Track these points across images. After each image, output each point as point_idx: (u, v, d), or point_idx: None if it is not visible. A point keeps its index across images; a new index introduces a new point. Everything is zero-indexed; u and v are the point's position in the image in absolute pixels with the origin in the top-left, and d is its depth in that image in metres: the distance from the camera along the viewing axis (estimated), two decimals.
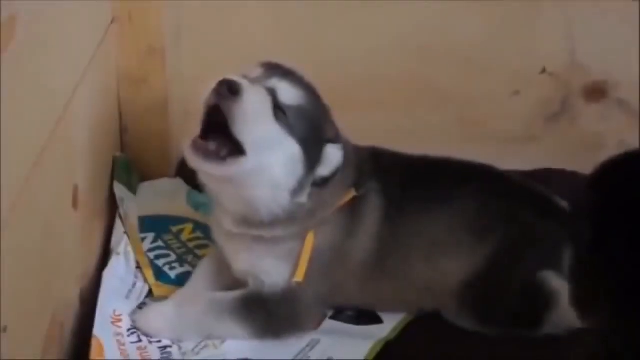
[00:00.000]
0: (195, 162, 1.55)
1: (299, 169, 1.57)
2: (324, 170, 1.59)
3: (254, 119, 1.52)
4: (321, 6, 2.00)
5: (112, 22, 1.92)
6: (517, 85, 2.05)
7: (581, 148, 2.07)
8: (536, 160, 2.04)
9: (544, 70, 2.03)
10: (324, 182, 1.60)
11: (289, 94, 1.58)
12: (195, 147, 1.54)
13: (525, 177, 1.79)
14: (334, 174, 1.60)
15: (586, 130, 2.07)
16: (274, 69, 1.60)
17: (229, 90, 1.51)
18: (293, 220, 1.60)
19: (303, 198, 1.59)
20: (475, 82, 2.04)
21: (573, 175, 2.02)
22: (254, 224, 1.61)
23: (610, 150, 2.05)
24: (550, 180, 1.92)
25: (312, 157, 1.58)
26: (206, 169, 1.56)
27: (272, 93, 1.56)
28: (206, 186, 1.65)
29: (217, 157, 1.53)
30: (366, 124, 1.94)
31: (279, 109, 1.56)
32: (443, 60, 2.03)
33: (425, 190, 1.69)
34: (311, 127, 1.58)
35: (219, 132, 1.53)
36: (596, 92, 2.04)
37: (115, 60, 1.95)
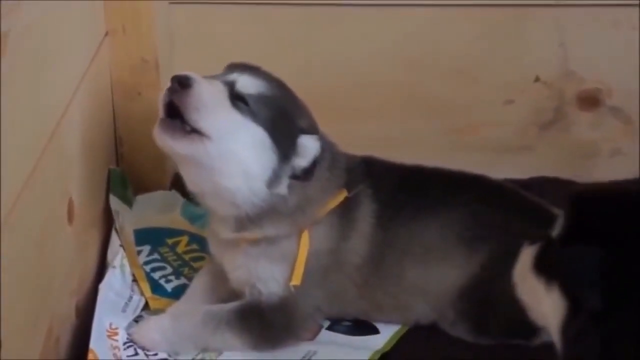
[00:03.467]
0: (160, 137, 1.57)
1: (269, 156, 1.58)
2: (301, 161, 1.60)
3: (206, 106, 1.54)
4: (313, 16, 2.00)
5: (105, 35, 1.93)
6: (510, 94, 2.05)
7: (575, 156, 2.08)
8: (530, 169, 2.04)
9: (537, 79, 2.04)
10: (305, 174, 1.60)
11: (248, 83, 1.60)
12: (162, 125, 1.57)
13: (519, 186, 1.79)
14: (313, 166, 1.60)
15: (580, 138, 2.07)
16: (237, 66, 1.64)
17: (180, 84, 1.54)
18: (279, 214, 1.61)
19: (282, 189, 1.59)
20: (468, 90, 2.05)
21: (567, 183, 2.02)
22: (245, 226, 1.61)
23: (604, 157, 2.07)
24: (545, 189, 1.92)
25: (284, 145, 1.58)
26: (170, 144, 1.57)
27: (230, 84, 1.59)
28: (194, 190, 1.65)
29: (183, 131, 1.55)
30: (358, 133, 1.95)
31: (238, 98, 1.58)
32: (436, 69, 2.03)
33: (419, 196, 1.69)
34: (279, 114, 1.59)
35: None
36: (589, 100, 2.05)
37: (109, 72, 1.95)
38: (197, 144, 1.55)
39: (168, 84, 1.56)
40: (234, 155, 1.56)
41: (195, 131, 1.55)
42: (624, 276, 1.16)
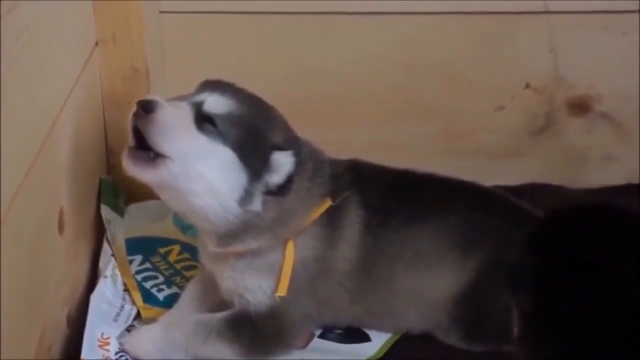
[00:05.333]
0: (128, 167, 1.58)
1: (238, 175, 1.57)
2: (275, 177, 1.59)
3: (168, 131, 1.55)
4: (305, 21, 2.00)
5: (96, 44, 1.93)
6: (501, 100, 2.05)
7: (566, 162, 2.08)
8: (521, 175, 2.04)
9: (527, 85, 2.04)
10: (280, 190, 1.60)
11: (216, 103, 1.59)
12: (128, 154, 1.58)
13: (510, 192, 1.79)
14: (288, 181, 1.60)
15: (571, 144, 2.07)
16: (207, 85, 1.63)
17: (143, 109, 1.55)
18: (258, 228, 1.60)
19: (256, 206, 1.59)
20: (459, 97, 2.05)
21: (558, 189, 2.03)
22: (227, 241, 1.61)
23: (595, 163, 2.07)
24: (536, 195, 1.92)
25: (255, 163, 1.58)
26: (137, 174, 1.58)
27: (197, 105, 1.59)
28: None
29: (148, 160, 1.55)
30: (351, 138, 1.96)
31: (204, 119, 1.58)
32: (428, 75, 2.03)
33: (409, 202, 1.69)
34: (248, 133, 1.59)
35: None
36: (580, 106, 2.05)
37: (99, 82, 1.95)
38: (162, 169, 1.55)
39: (134, 108, 1.56)
40: (200, 176, 1.56)
41: (159, 156, 1.55)
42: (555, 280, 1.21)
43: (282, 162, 1.59)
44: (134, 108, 1.56)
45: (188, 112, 1.58)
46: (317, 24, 2.00)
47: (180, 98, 1.61)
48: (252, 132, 1.59)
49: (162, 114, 1.55)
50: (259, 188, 1.59)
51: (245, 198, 1.58)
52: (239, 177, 1.57)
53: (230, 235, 1.60)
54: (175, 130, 1.55)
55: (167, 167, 1.55)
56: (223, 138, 1.57)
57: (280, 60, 2.01)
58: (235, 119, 1.59)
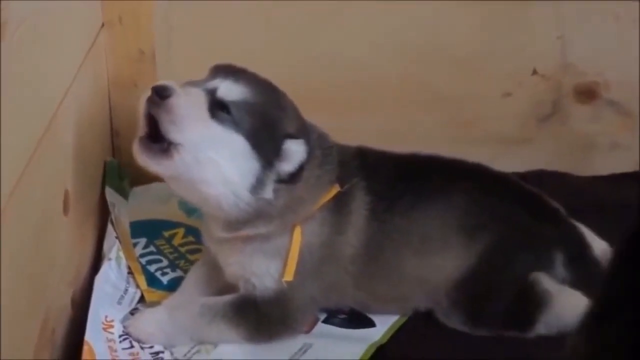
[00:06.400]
0: (140, 159, 1.57)
1: (250, 163, 1.57)
2: (287, 165, 1.59)
3: (182, 118, 1.53)
4: (313, 7, 2.00)
5: (102, 26, 1.92)
6: (508, 87, 2.05)
7: (573, 149, 2.08)
8: (528, 162, 2.04)
9: (535, 72, 2.03)
10: (291, 178, 1.59)
11: (230, 90, 1.58)
12: (140, 145, 1.56)
13: (517, 178, 1.79)
14: (299, 169, 1.59)
15: (578, 132, 2.07)
16: (220, 70, 1.61)
17: (158, 95, 1.53)
18: (269, 215, 1.60)
19: (267, 194, 1.58)
20: (467, 83, 2.04)
21: (565, 176, 2.02)
22: (236, 227, 1.61)
23: (602, 151, 2.07)
24: (543, 182, 1.92)
25: (267, 151, 1.57)
26: (150, 166, 1.57)
27: (211, 92, 1.57)
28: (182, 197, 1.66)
29: (161, 151, 1.54)
30: (358, 126, 1.95)
31: (218, 106, 1.57)
32: (435, 62, 2.03)
33: (415, 186, 1.69)
34: (262, 120, 1.58)
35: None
36: (588, 93, 2.04)
37: (105, 64, 1.95)
38: (176, 160, 1.54)
39: (148, 93, 1.55)
40: (213, 164, 1.55)
41: (172, 145, 1.54)
42: None
43: (294, 151, 1.59)
44: (148, 93, 1.54)
45: (202, 98, 1.57)
46: (325, 10, 2.00)
47: (192, 83, 1.59)
48: (265, 120, 1.59)
49: (177, 101, 1.53)
50: (271, 176, 1.58)
51: (257, 186, 1.57)
52: (252, 165, 1.57)
53: (241, 221, 1.60)
54: (189, 118, 1.54)
55: (180, 156, 1.54)
56: (236, 126, 1.57)
57: (288, 47, 2.00)
58: (249, 106, 1.58)
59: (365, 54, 2.01)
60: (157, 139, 1.55)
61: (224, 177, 1.56)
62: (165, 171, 1.58)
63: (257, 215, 1.59)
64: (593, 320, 1.10)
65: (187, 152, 1.54)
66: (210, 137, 1.55)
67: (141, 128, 1.57)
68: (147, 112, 1.55)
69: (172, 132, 1.53)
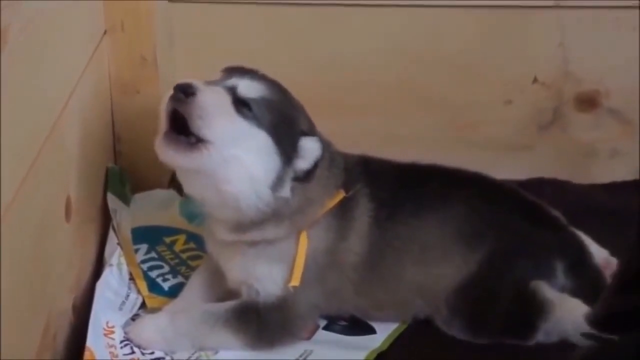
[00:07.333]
0: (165, 153, 1.56)
1: (273, 160, 1.57)
2: (303, 163, 1.59)
3: (211, 114, 1.53)
4: (314, 11, 2.00)
5: (104, 32, 1.93)
6: (509, 94, 2.05)
7: (573, 157, 2.08)
8: (528, 169, 2.04)
9: (535, 80, 2.04)
10: (306, 176, 1.60)
11: (249, 87, 1.59)
12: (165, 139, 1.56)
13: (517, 186, 1.79)
14: (314, 167, 1.60)
15: (578, 140, 2.07)
16: (234, 70, 1.62)
17: (184, 92, 1.53)
18: (281, 217, 1.60)
19: (285, 192, 1.59)
20: (468, 90, 2.05)
21: (565, 184, 2.02)
22: (245, 229, 1.61)
23: (603, 159, 2.07)
24: (543, 189, 1.92)
25: (287, 148, 1.58)
26: (176, 160, 1.57)
27: (232, 90, 1.58)
28: (195, 197, 1.65)
29: (188, 145, 1.54)
30: (358, 130, 1.96)
31: (241, 103, 1.57)
32: (436, 68, 2.03)
33: (416, 194, 1.69)
34: (280, 117, 1.59)
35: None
36: (588, 101, 2.05)
37: (108, 70, 1.95)
38: (203, 154, 1.54)
39: (170, 92, 1.54)
40: (239, 161, 1.55)
41: (200, 140, 1.54)
42: None
43: (310, 148, 1.59)
44: (171, 92, 1.54)
45: (225, 96, 1.57)
46: (326, 15, 2.01)
47: (209, 83, 1.59)
48: (283, 117, 1.60)
49: (203, 97, 1.53)
50: (289, 173, 1.59)
51: (277, 184, 1.58)
52: (274, 161, 1.57)
53: (254, 222, 1.60)
54: (217, 114, 1.54)
55: (209, 152, 1.54)
56: (258, 122, 1.57)
57: (289, 51, 2.01)
58: (268, 103, 1.59)
59: (365, 59, 2.02)
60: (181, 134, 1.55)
61: (249, 173, 1.56)
62: (191, 164, 1.56)
63: (272, 215, 1.59)
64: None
65: (216, 150, 1.54)
66: (237, 132, 1.55)
67: (163, 126, 1.57)
68: (171, 109, 1.55)
69: (202, 128, 1.53)
